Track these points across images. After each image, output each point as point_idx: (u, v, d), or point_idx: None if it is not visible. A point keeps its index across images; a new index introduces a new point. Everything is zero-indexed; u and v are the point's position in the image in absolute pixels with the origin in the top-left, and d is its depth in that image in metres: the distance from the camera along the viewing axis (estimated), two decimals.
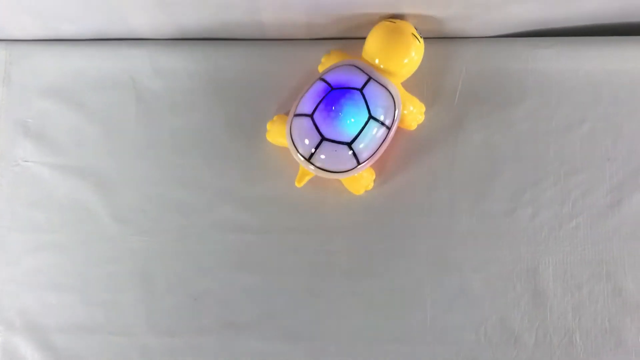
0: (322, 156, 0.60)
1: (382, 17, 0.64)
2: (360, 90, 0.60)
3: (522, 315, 0.64)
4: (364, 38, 0.64)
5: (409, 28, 0.62)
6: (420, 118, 0.65)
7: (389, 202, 0.66)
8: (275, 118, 0.65)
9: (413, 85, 0.66)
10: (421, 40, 0.62)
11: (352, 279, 0.65)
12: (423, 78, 0.67)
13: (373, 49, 0.62)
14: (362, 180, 0.64)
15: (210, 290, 0.65)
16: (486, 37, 0.69)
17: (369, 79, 0.60)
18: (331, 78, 0.61)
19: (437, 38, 0.68)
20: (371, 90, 0.60)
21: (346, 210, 0.66)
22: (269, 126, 0.65)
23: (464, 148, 0.67)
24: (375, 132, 0.60)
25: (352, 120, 0.59)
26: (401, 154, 0.66)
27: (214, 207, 0.66)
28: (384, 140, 0.61)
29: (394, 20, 0.63)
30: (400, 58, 0.62)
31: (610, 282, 0.64)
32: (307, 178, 0.64)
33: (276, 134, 0.65)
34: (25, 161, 0.67)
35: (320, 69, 0.66)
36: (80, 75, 0.69)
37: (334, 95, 0.60)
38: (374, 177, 0.65)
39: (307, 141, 0.60)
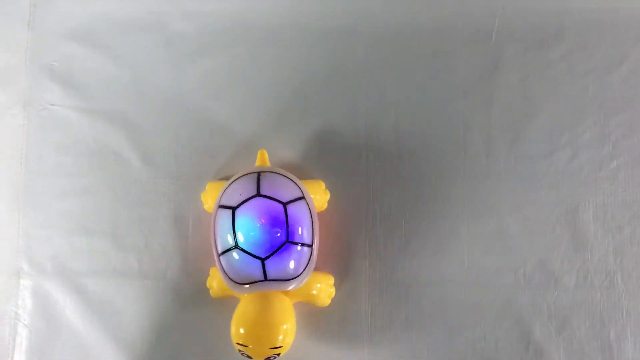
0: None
1: None
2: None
3: (562, 257, 0.63)
4: None
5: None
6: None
7: (423, 144, 0.64)
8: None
9: (448, 27, 0.65)
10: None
11: (386, 224, 0.63)
12: (458, 19, 0.65)
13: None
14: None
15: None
16: None
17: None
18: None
19: None
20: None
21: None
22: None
23: (500, 89, 0.65)
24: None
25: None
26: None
27: (244, 152, 0.65)
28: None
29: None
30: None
31: None
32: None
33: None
34: (52, 105, 0.66)
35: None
36: (106, 18, 0.67)
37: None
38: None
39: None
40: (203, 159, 0.65)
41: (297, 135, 0.65)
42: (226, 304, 0.60)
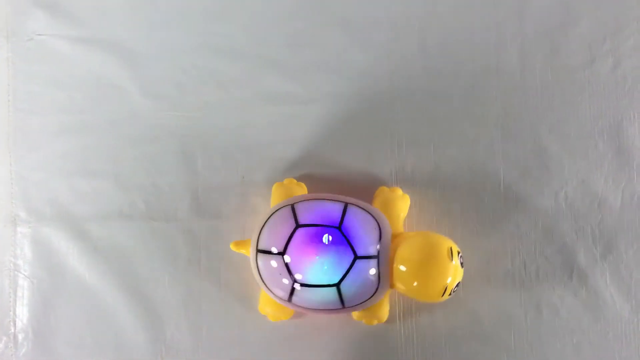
0: (269, 263, 0.51)
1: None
2: (355, 257, 0.50)
3: (605, 176, 0.58)
4: None
5: (455, 277, 0.50)
6: (370, 322, 0.55)
7: (451, 60, 0.59)
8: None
9: None
10: (447, 296, 0.50)
11: (414, 149, 0.58)
12: None
13: (407, 257, 0.50)
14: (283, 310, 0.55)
15: (258, 167, 0.58)
16: None
17: (376, 256, 0.50)
18: (350, 215, 0.51)
19: None
20: (363, 266, 0.50)
21: None
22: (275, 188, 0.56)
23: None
24: (326, 299, 0.51)
25: (318, 269, 0.50)
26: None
27: (255, 77, 0.59)
28: (325, 309, 0.52)
29: (454, 256, 0.50)
30: (417, 295, 0.51)
31: None
32: (243, 252, 0.54)
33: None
34: (40, 35, 0.59)
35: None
36: None
37: (333, 234, 0.50)
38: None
39: (274, 239, 0.51)
40: (209, 87, 0.59)
41: (316, 55, 0.59)
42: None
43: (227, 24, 0.59)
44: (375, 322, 0.55)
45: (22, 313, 0.57)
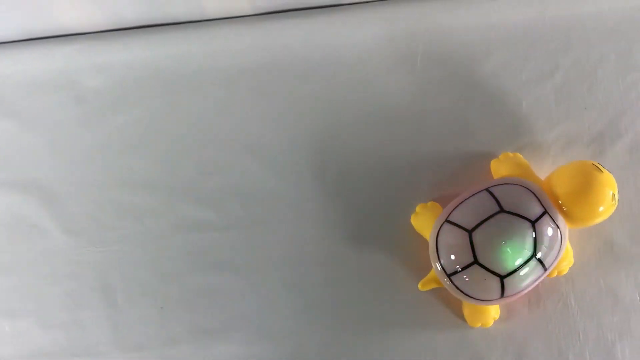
0: (466, 278, 0.53)
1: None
2: (533, 223, 0.52)
3: None
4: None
5: (612, 185, 0.53)
6: (564, 270, 0.57)
7: (354, 184, 0.61)
8: (429, 204, 0.58)
9: (370, 55, 0.62)
10: (616, 202, 0.53)
11: (327, 269, 0.60)
12: (379, 46, 0.63)
13: (564, 189, 0.53)
14: (485, 314, 0.57)
15: (177, 296, 0.60)
16: None
17: (544, 212, 0.53)
18: (501, 196, 0.53)
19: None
20: (543, 226, 0.52)
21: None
22: (418, 209, 0.58)
23: (432, 115, 0.62)
24: (532, 272, 0.52)
25: (513, 253, 0.51)
26: None
27: (171, 207, 0.61)
28: (535, 281, 0.54)
29: (601, 168, 0.53)
30: (592, 218, 0.53)
31: (600, 239, 0.60)
32: (433, 286, 0.56)
33: (423, 223, 0.57)
34: None
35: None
36: (8, 81, 0.63)
37: (502, 218, 0.52)
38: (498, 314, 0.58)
39: (453, 257, 0.53)
40: (126, 220, 0.61)
41: (227, 181, 0.62)
42: None
43: (140, 158, 0.62)
44: (567, 268, 0.57)
45: None
